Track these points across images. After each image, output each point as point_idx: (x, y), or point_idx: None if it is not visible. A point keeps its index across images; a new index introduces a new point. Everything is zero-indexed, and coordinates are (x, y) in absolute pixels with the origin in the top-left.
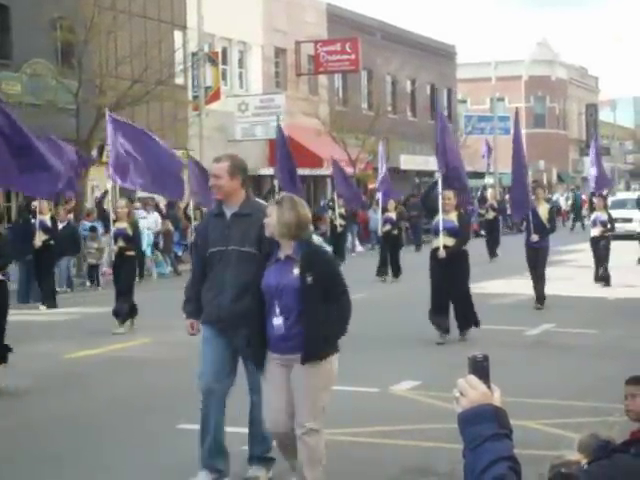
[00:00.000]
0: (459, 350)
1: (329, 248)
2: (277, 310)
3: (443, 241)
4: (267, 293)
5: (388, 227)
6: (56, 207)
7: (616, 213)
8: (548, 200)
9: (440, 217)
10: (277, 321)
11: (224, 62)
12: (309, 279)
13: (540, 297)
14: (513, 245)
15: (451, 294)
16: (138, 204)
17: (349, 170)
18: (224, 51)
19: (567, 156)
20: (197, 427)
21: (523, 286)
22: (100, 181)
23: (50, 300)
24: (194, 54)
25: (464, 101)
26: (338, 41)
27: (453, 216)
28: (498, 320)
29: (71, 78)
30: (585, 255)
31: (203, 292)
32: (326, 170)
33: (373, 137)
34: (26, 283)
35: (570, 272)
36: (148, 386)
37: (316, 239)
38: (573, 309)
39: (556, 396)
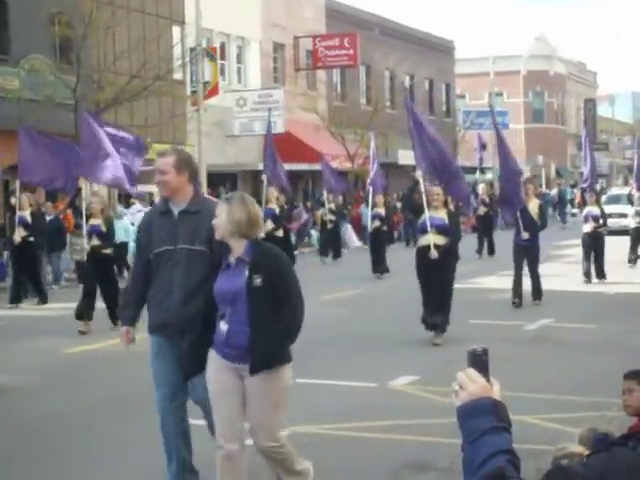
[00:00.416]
0: (457, 345)
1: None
2: (228, 317)
3: (433, 239)
4: (219, 299)
5: (377, 223)
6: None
7: (611, 208)
8: (539, 196)
9: (426, 214)
10: (224, 327)
11: (222, 57)
12: (257, 281)
13: (537, 291)
14: (510, 241)
15: (436, 290)
16: (135, 200)
17: (347, 165)
18: (222, 46)
19: (565, 151)
20: (196, 422)
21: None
22: None
23: (41, 295)
24: (192, 49)
25: (462, 96)
26: (336, 36)
27: (442, 213)
28: (497, 315)
29: (69, 73)
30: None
31: (149, 297)
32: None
33: (371, 132)
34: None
35: (568, 267)
36: (146, 382)
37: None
38: (571, 304)
39: (554, 391)
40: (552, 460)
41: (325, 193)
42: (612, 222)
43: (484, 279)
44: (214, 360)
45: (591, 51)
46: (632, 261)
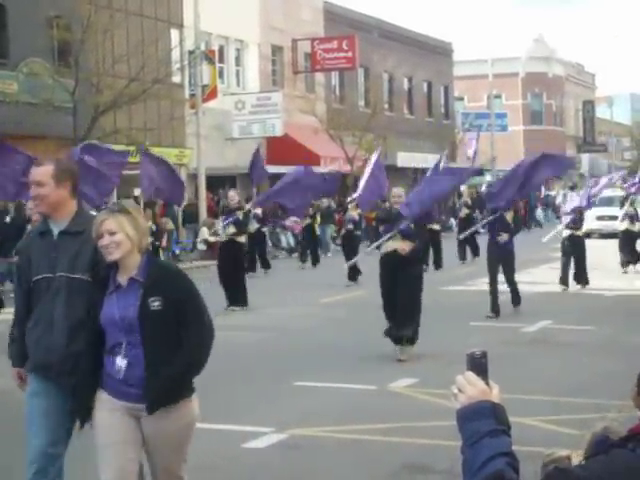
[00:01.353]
0: (456, 347)
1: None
2: (126, 350)
3: (396, 245)
4: (110, 329)
5: (350, 227)
6: None
7: (603, 211)
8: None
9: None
10: (121, 362)
11: (221, 60)
12: (155, 304)
13: (517, 297)
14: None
15: (401, 301)
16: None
17: (346, 168)
18: (221, 49)
19: (564, 153)
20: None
21: (519, 283)
22: None
23: None
24: (191, 52)
25: (461, 98)
26: (335, 39)
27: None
28: (495, 318)
29: (68, 77)
30: (588, 252)
31: (27, 331)
32: (323, 168)
33: (370, 134)
34: None
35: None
36: None
37: None
38: (570, 306)
39: (554, 393)
40: (542, 466)
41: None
42: (604, 225)
43: (482, 281)
44: (104, 403)
45: (589, 53)
46: (625, 264)
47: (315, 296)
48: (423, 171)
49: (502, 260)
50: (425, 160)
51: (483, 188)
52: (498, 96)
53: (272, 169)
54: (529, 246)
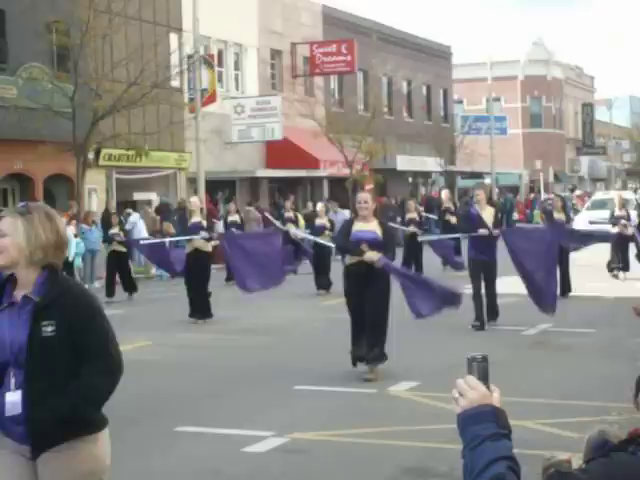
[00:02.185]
0: (457, 350)
1: None
2: (12, 380)
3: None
4: None
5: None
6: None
7: (596, 214)
8: (489, 201)
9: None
10: (12, 396)
11: (220, 64)
12: (48, 329)
13: (493, 311)
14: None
15: (368, 318)
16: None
17: (345, 172)
18: (220, 53)
19: (564, 156)
20: (195, 429)
21: (520, 286)
22: (98, 185)
23: None
24: (190, 57)
25: (460, 101)
26: (334, 42)
27: (374, 225)
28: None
29: (67, 82)
30: (585, 254)
31: None
32: (323, 172)
33: (370, 138)
34: None
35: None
36: (146, 388)
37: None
38: (570, 309)
39: (554, 395)
40: (542, 470)
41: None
42: (597, 228)
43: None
44: None
45: (588, 56)
46: (615, 270)
47: (315, 299)
48: (422, 174)
49: (485, 269)
50: (424, 163)
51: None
52: (497, 99)
53: (271, 173)
54: None
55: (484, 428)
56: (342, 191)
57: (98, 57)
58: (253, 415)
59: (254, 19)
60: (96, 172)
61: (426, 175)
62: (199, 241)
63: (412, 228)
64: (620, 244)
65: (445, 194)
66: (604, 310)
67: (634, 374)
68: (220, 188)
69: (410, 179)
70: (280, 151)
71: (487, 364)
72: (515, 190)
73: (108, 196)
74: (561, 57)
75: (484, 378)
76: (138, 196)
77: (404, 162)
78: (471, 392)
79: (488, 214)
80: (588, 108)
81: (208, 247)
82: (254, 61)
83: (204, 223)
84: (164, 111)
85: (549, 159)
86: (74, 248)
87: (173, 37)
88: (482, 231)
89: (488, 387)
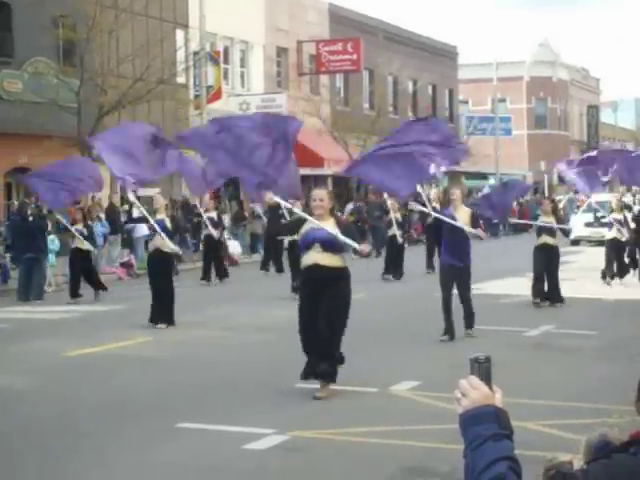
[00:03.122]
0: (459, 350)
1: None
2: None
3: (316, 258)
4: None
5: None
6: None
7: (592, 217)
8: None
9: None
10: None
11: (226, 61)
12: None
13: (470, 319)
14: (512, 246)
15: (319, 330)
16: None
17: None
18: (226, 50)
19: (568, 157)
20: (196, 426)
21: (523, 287)
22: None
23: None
24: (196, 53)
25: (465, 102)
26: (340, 41)
27: (329, 224)
28: (498, 321)
29: (73, 76)
30: (584, 257)
31: None
32: (327, 170)
33: (374, 137)
34: (26, 281)
35: (570, 274)
36: (147, 384)
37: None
38: (573, 310)
39: (556, 397)
40: (543, 471)
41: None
42: (592, 232)
43: (485, 285)
44: None
45: (594, 57)
46: (611, 277)
47: None
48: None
49: (457, 275)
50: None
51: (484, 191)
52: (502, 100)
53: None
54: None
55: (486, 428)
56: (346, 190)
57: (104, 52)
58: (254, 412)
59: (260, 16)
60: (100, 167)
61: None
62: (160, 241)
63: (394, 230)
64: (615, 250)
65: (434, 193)
66: (606, 312)
67: (636, 376)
68: (224, 184)
69: None
70: None
71: (490, 365)
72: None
73: (112, 191)
74: (567, 59)
75: (487, 379)
76: (142, 192)
77: None
78: (473, 392)
79: (464, 215)
80: (593, 110)
81: (169, 248)
82: (260, 58)
83: (167, 222)
84: (169, 107)
85: (553, 161)
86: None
87: (179, 33)
88: (478, 232)
89: (491, 388)
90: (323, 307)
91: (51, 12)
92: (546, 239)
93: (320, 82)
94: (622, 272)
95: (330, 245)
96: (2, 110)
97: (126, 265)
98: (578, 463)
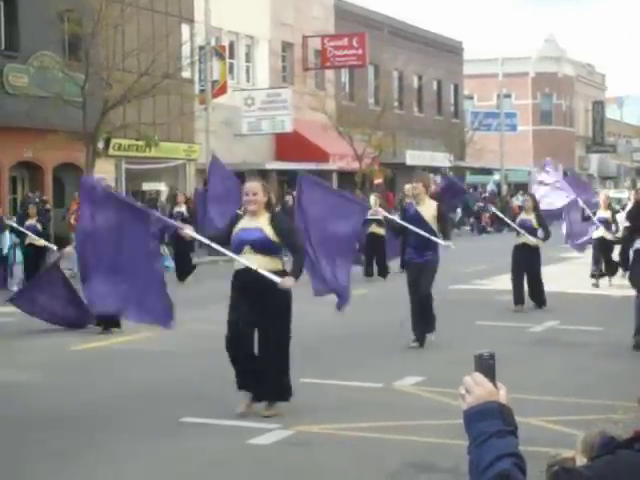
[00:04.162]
0: (463, 346)
1: None
2: None
3: (250, 261)
4: None
5: None
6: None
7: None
8: (434, 196)
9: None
10: None
11: (231, 56)
12: None
13: (429, 322)
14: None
15: (259, 351)
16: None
17: (355, 165)
18: (231, 45)
19: (573, 153)
20: (200, 421)
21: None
22: (107, 174)
23: None
24: (201, 48)
25: (471, 97)
26: (345, 36)
27: (262, 222)
28: (502, 317)
29: (78, 71)
30: (588, 252)
31: None
32: (332, 165)
33: (379, 132)
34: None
35: (574, 269)
36: (151, 378)
37: None
38: (577, 306)
39: (560, 393)
40: (546, 467)
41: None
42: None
43: (490, 280)
44: None
45: (600, 53)
46: (597, 276)
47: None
48: (431, 169)
49: (421, 273)
50: (433, 158)
51: (489, 187)
52: (508, 95)
53: (280, 166)
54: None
55: (490, 425)
56: (351, 185)
57: (109, 47)
58: (258, 407)
59: (266, 11)
60: (105, 162)
61: (435, 170)
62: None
63: (374, 228)
64: (602, 249)
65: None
66: (611, 308)
67: None
68: None
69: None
70: (289, 144)
71: (494, 362)
72: (524, 187)
73: (117, 186)
74: (572, 54)
75: (491, 375)
76: (147, 186)
77: (413, 157)
78: (478, 389)
79: (429, 209)
80: (599, 106)
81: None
82: (265, 53)
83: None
84: (174, 102)
85: (559, 156)
86: (8, 241)
87: (185, 28)
88: (442, 242)
89: (495, 384)
90: (259, 321)
91: (57, 6)
92: (526, 238)
93: (325, 77)
94: (610, 271)
95: (263, 246)
96: (7, 104)
97: None
98: (581, 459)
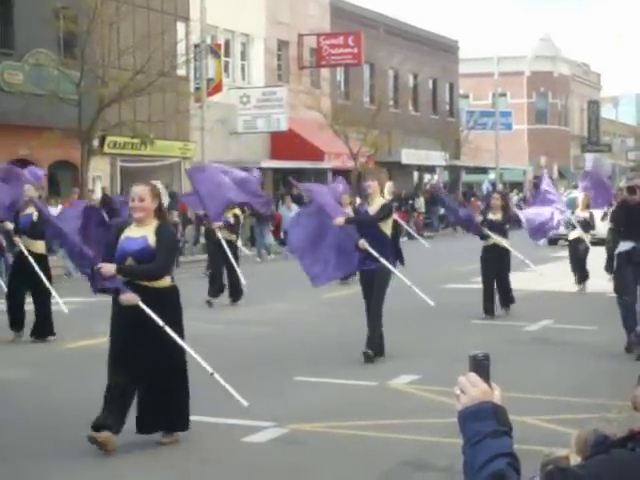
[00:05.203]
0: (458, 344)
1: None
2: None
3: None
4: None
5: (225, 234)
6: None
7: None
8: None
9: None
10: None
11: (226, 54)
12: None
13: (372, 342)
14: (513, 241)
15: (151, 377)
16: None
17: (350, 164)
18: (227, 43)
19: (568, 152)
20: (195, 418)
21: (522, 281)
22: (102, 172)
23: None
24: (197, 46)
25: (466, 96)
26: (341, 34)
27: (149, 230)
28: (497, 315)
29: (73, 68)
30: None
31: None
32: (327, 163)
33: (375, 131)
34: None
35: (568, 268)
36: None
37: None
38: (572, 305)
39: (554, 392)
40: (541, 466)
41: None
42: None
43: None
44: None
45: (595, 53)
46: (581, 281)
47: (316, 292)
48: (426, 168)
49: (374, 281)
50: (429, 157)
51: (484, 186)
52: (503, 94)
53: (276, 164)
54: (527, 245)
55: (484, 425)
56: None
57: (105, 44)
58: (253, 405)
59: (261, 9)
60: (101, 159)
61: (431, 169)
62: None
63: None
64: (577, 252)
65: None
66: (606, 307)
67: (635, 371)
68: None
69: (416, 173)
70: (285, 142)
71: (489, 362)
72: (519, 186)
73: (112, 184)
74: (568, 54)
75: (486, 376)
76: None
77: (409, 156)
78: (472, 389)
79: (376, 208)
80: (594, 105)
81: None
82: (260, 51)
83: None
84: (170, 100)
85: (554, 155)
86: None
87: (180, 26)
88: (361, 242)
89: (489, 385)
90: (147, 344)
91: (52, 4)
92: (496, 240)
93: (321, 75)
94: (582, 277)
95: (148, 258)
96: (3, 101)
97: None
98: (575, 458)
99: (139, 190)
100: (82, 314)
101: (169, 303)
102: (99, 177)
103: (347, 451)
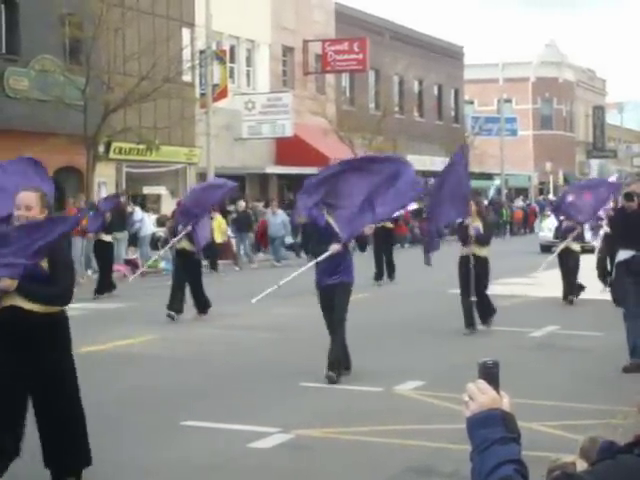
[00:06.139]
0: (464, 351)
1: None
2: None
3: (14, 298)
4: None
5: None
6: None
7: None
8: None
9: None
10: None
11: (232, 60)
12: None
13: (335, 362)
14: (516, 247)
15: (46, 417)
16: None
17: None
18: (232, 49)
19: (574, 158)
20: (200, 424)
21: (527, 288)
22: (107, 178)
23: None
24: (202, 52)
25: (471, 102)
26: (346, 40)
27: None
28: (503, 321)
29: (79, 74)
30: (588, 257)
31: None
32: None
33: (380, 137)
34: None
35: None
36: (152, 382)
37: None
38: (577, 311)
39: (560, 398)
40: (547, 472)
41: None
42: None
43: (491, 285)
44: None
45: (600, 59)
46: (576, 291)
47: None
48: (431, 174)
49: (335, 297)
50: (434, 163)
51: (490, 193)
52: (508, 100)
53: (281, 170)
54: (533, 251)
55: (493, 432)
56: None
57: (110, 50)
58: (259, 411)
59: (267, 15)
60: (106, 165)
61: (435, 175)
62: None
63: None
64: (566, 263)
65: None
66: (612, 313)
67: None
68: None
69: (421, 179)
70: (290, 148)
71: (498, 370)
72: (525, 192)
73: (118, 190)
74: (573, 60)
75: (495, 383)
76: (147, 190)
77: (414, 162)
78: (481, 396)
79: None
80: (599, 111)
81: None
82: (266, 57)
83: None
84: (175, 106)
85: (559, 161)
86: None
87: (185, 32)
88: (334, 247)
89: (498, 392)
90: (31, 381)
91: (58, 10)
92: (473, 249)
93: (326, 81)
94: (570, 291)
95: (32, 278)
96: (8, 107)
97: (131, 263)
98: (581, 464)
99: (25, 197)
100: (90, 320)
101: (58, 330)
102: (104, 183)
103: (352, 457)
